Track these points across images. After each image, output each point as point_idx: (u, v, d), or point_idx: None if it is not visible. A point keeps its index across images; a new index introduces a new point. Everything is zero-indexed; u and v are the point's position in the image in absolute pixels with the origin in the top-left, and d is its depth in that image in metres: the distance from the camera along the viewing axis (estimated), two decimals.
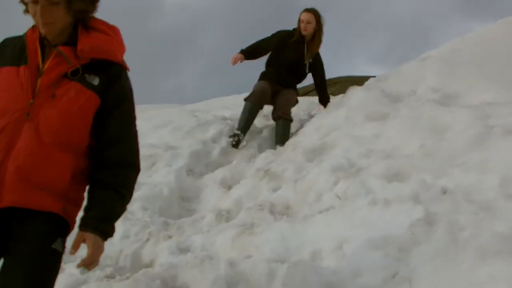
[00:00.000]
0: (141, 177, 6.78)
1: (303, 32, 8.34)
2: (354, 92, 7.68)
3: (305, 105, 10.23)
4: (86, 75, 2.92)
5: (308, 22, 8.31)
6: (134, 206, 5.93)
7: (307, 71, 8.55)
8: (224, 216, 5.59)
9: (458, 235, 3.68)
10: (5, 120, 2.77)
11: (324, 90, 8.88)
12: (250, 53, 8.57)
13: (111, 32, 3.04)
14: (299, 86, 8.99)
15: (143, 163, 7.14)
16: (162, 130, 8.99)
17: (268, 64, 8.68)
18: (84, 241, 2.91)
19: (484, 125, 5.16)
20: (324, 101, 8.75)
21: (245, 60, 8.56)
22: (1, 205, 2.70)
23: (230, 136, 7.89)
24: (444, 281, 3.38)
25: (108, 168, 3.03)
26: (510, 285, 3.13)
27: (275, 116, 8.21)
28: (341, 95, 8.98)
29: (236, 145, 7.81)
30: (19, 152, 2.73)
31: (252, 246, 4.53)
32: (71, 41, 2.92)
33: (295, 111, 9.00)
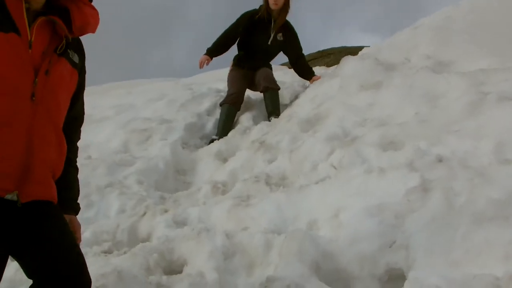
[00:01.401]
0: (136, 151, 6.86)
1: (273, 7, 7.99)
2: (348, 62, 7.64)
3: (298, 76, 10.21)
4: (69, 51, 2.70)
5: None
6: (130, 180, 5.95)
7: (270, 51, 8.37)
8: (220, 188, 5.60)
9: (454, 201, 3.69)
10: (15, 102, 2.43)
11: (303, 60, 8.72)
12: (216, 50, 8.31)
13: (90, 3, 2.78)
14: (287, 60, 8.92)
15: (138, 137, 7.22)
16: (156, 103, 8.99)
17: (239, 47, 8.48)
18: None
19: (478, 92, 5.15)
20: (306, 73, 8.61)
21: (214, 58, 8.33)
22: (27, 198, 2.47)
23: (209, 142, 7.37)
24: (440, 247, 3.40)
25: (71, 145, 2.88)
26: (506, 249, 3.14)
27: (261, 88, 8.00)
28: (336, 66, 8.95)
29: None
30: (42, 141, 2.51)
31: (248, 218, 4.53)
32: (49, 10, 2.60)
33: (289, 81, 8.99)
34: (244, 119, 7.75)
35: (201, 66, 8.26)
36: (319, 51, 16.21)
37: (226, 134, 7.33)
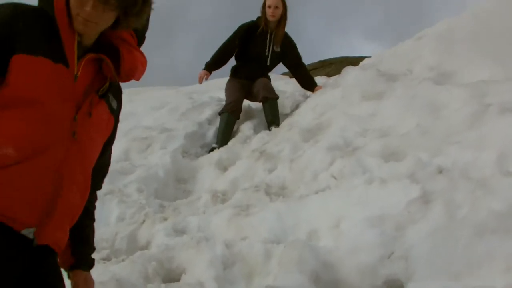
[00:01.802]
0: (137, 159, 6.86)
1: (270, 18, 7.98)
2: (350, 72, 7.64)
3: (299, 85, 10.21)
4: (110, 95, 2.56)
5: (276, 7, 7.96)
6: (130, 188, 5.94)
7: (268, 63, 8.24)
8: (220, 197, 5.59)
9: (455, 213, 3.68)
10: (54, 133, 2.28)
11: (305, 71, 8.69)
12: (215, 64, 8.28)
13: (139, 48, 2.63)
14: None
15: (139, 145, 7.19)
16: (158, 111, 9.00)
17: (237, 58, 8.44)
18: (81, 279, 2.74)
19: (480, 103, 5.14)
20: (309, 84, 8.54)
21: (213, 72, 8.30)
22: (43, 241, 2.29)
23: (209, 151, 7.34)
24: (440, 258, 3.39)
25: (92, 195, 2.73)
26: (507, 262, 3.13)
27: (260, 98, 7.96)
28: (337, 75, 8.95)
29: None
30: (71, 181, 2.34)
31: (248, 227, 4.52)
32: (95, 48, 2.45)
33: (290, 91, 8.99)
34: (245, 128, 7.74)
35: (200, 81, 8.24)
36: (320, 61, 16.26)
37: (226, 143, 7.34)
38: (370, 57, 9.16)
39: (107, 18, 2.34)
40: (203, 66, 8.28)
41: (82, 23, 2.30)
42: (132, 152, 7.16)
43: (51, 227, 2.30)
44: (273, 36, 8.10)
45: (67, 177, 2.31)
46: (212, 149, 7.27)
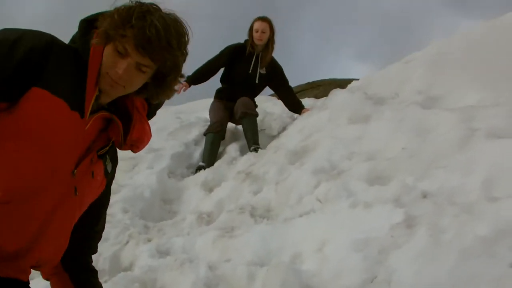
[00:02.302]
0: (123, 179, 6.82)
1: (257, 42, 8.07)
2: (338, 94, 7.66)
3: None
4: (108, 158, 2.50)
5: (263, 32, 8.05)
6: (114, 208, 5.90)
7: (257, 81, 8.23)
8: (205, 218, 5.57)
9: (440, 238, 3.67)
10: (53, 178, 2.20)
11: (292, 94, 8.72)
12: (195, 79, 8.26)
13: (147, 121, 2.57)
14: None
15: (125, 165, 7.16)
16: None
17: (221, 80, 8.48)
18: None
19: (467, 128, 5.14)
20: (296, 107, 8.56)
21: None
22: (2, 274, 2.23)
23: (196, 170, 7.32)
24: (425, 283, 3.37)
25: (88, 259, 2.74)
26: (493, 287, 3.12)
27: (239, 114, 7.91)
28: (324, 97, 8.96)
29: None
30: (54, 231, 2.27)
31: (232, 249, 4.50)
32: (109, 106, 2.36)
33: (277, 113, 8.99)
34: (231, 149, 7.75)
35: (178, 92, 8.09)
36: (308, 83, 16.30)
37: (212, 163, 7.31)
38: (358, 79, 9.18)
39: (136, 83, 2.29)
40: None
41: (109, 84, 2.25)
42: (118, 172, 7.08)
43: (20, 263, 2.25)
44: (259, 58, 8.13)
45: (53, 226, 2.26)
46: (199, 168, 7.27)
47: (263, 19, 8.10)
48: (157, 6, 2.22)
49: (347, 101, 7.20)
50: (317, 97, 11.80)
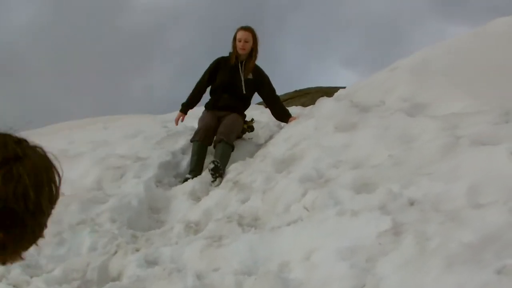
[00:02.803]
0: (110, 188, 6.83)
1: (240, 52, 8.04)
2: (324, 103, 7.69)
3: None
4: None
5: (246, 41, 8.01)
6: (102, 217, 5.91)
7: (244, 91, 8.11)
8: (193, 228, 5.58)
9: (426, 245, 3.70)
10: None
11: (279, 103, 8.65)
12: (190, 104, 8.35)
13: None
14: None
15: (112, 174, 7.17)
16: (132, 140, 8.97)
17: (210, 92, 8.40)
18: None
19: (451, 135, 5.19)
20: (283, 116, 8.44)
21: (189, 112, 8.35)
22: None
23: (183, 181, 7.27)
24: None
25: None
26: None
27: (215, 138, 7.75)
28: (312, 105, 8.98)
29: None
30: None
31: (220, 258, 4.51)
32: None
33: (265, 121, 8.99)
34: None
35: (176, 123, 8.40)
36: (295, 91, 16.35)
37: (199, 172, 7.32)
38: (345, 87, 9.22)
39: None
40: (180, 107, 8.39)
41: None
42: (105, 181, 7.13)
43: None
44: (243, 65, 8.10)
45: None
46: (186, 180, 7.22)
47: (246, 28, 8.09)
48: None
49: (334, 109, 7.23)
50: (304, 105, 11.84)
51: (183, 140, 8.23)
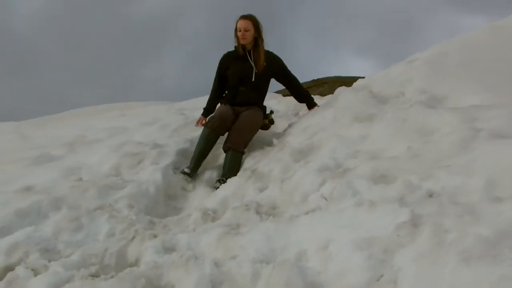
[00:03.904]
0: (128, 175, 6.87)
1: (242, 42, 7.80)
2: (342, 93, 7.69)
3: (292, 105, 10.27)
4: None
5: (246, 30, 7.73)
6: (120, 203, 5.94)
7: (253, 79, 7.88)
8: (210, 215, 5.60)
9: (443, 238, 3.69)
10: None
11: (298, 88, 8.46)
12: (211, 109, 8.19)
13: None
14: (281, 88, 8.84)
15: (130, 161, 7.22)
16: (149, 127, 9.04)
17: (227, 89, 8.17)
18: None
19: (470, 128, 5.17)
20: (306, 98, 8.47)
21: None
22: None
23: (182, 172, 7.14)
24: (427, 283, 3.39)
25: None
26: None
27: (224, 146, 7.55)
28: (330, 95, 8.98)
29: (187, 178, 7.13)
30: None
31: (237, 246, 4.52)
32: None
33: (282, 110, 9.01)
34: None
35: (197, 125, 8.29)
36: (313, 80, 16.31)
37: (199, 163, 7.31)
38: (363, 77, 9.21)
39: None
40: (203, 106, 8.32)
41: None
42: (123, 168, 7.17)
43: None
44: (251, 55, 7.93)
45: None
46: (184, 173, 7.10)
47: (245, 17, 7.82)
48: None
49: (352, 100, 7.23)
50: (322, 94, 11.84)
51: (200, 128, 8.29)
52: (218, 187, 6.61)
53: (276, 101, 10.47)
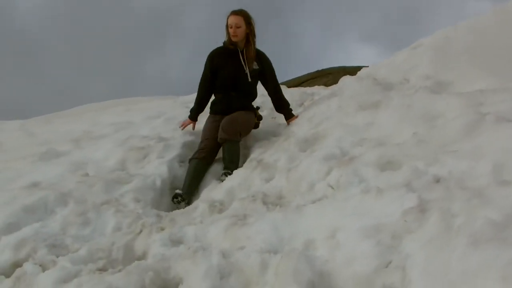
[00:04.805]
0: (134, 169, 6.87)
1: (233, 39, 7.45)
2: (346, 82, 7.68)
3: (297, 95, 10.26)
4: None
5: (238, 26, 7.41)
6: (126, 197, 5.95)
7: (249, 79, 7.58)
8: (217, 207, 5.59)
9: (451, 222, 3.67)
10: None
11: (280, 96, 8.04)
12: (200, 107, 7.94)
13: None
14: (288, 78, 8.78)
15: (135, 155, 7.22)
16: (154, 121, 9.04)
17: (214, 91, 7.85)
18: None
19: (476, 112, 5.15)
20: (283, 108, 8.02)
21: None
22: None
23: (173, 198, 6.54)
24: (436, 268, 3.38)
25: None
26: (503, 271, 3.12)
27: (218, 138, 7.25)
28: (334, 85, 8.97)
29: (178, 203, 6.53)
30: None
31: (244, 237, 4.51)
32: None
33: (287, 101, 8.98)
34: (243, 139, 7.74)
35: (182, 128, 8.09)
36: (318, 71, 16.31)
37: (191, 192, 6.72)
38: (368, 66, 9.19)
39: None
40: (192, 109, 8.05)
41: None
42: (129, 162, 7.17)
43: None
44: (244, 54, 7.60)
45: None
46: (176, 196, 6.54)
47: (236, 12, 7.48)
48: None
49: (356, 88, 7.23)
50: (326, 84, 11.84)
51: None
52: (224, 180, 6.51)
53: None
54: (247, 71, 7.60)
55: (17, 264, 4.59)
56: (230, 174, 6.60)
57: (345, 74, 8.89)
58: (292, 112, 8.00)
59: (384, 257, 3.65)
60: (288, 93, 9.57)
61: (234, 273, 3.98)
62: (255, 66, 7.67)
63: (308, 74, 15.46)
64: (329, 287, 3.69)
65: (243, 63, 7.59)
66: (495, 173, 4.18)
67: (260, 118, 7.99)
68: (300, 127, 7.03)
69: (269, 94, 8.12)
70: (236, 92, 7.67)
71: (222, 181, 6.50)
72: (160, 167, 6.87)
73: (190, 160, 7.09)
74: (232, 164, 6.93)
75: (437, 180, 4.33)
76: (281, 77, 8.66)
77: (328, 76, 14.74)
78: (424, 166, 4.61)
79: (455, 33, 8.30)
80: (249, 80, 7.64)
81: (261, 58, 7.79)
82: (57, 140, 8.99)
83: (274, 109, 8.22)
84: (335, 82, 9.46)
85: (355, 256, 3.76)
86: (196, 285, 3.85)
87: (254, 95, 7.96)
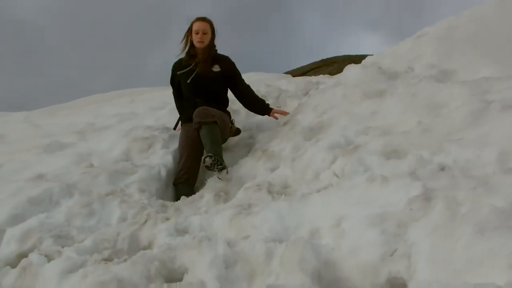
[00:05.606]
0: (138, 159, 6.88)
1: (198, 45, 7.24)
2: (351, 70, 7.64)
3: (302, 84, 10.24)
4: None
5: (205, 33, 7.22)
6: (131, 188, 5.95)
7: (211, 81, 7.33)
8: (222, 196, 5.60)
9: (457, 211, 3.67)
10: None
11: (254, 95, 7.78)
12: (186, 114, 7.46)
13: None
14: (292, 68, 8.76)
15: (140, 145, 7.22)
16: (158, 112, 9.04)
17: (183, 99, 7.66)
18: None
19: (481, 100, 5.14)
20: (261, 105, 7.72)
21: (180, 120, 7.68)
22: None
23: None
24: (442, 256, 3.37)
25: None
26: (509, 259, 3.11)
27: (194, 125, 6.85)
28: (339, 74, 8.95)
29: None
30: None
31: (250, 226, 4.51)
32: None
33: (292, 90, 8.97)
34: (247, 128, 7.74)
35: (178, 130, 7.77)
36: (322, 60, 16.30)
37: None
38: (372, 55, 9.17)
39: None
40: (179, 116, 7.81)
41: None
42: (133, 152, 7.17)
43: None
44: (203, 60, 7.34)
45: None
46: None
47: (203, 19, 7.31)
48: None
49: (361, 76, 7.20)
50: (331, 73, 11.83)
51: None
52: (210, 164, 6.27)
53: (286, 81, 10.44)
54: (204, 75, 7.34)
55: (22, 255, 4.60)
56: (212, 157, 6.28)
57: (350, 63, 8.84)
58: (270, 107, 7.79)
59: (389, 245, 3.65)
60: (293, 83, 9.58)
61: (239, 262, 3.98)
62: (217, 68, 7.40)
63: (313, 63, 15.44)
64: (335, 276, 3.69)
65: (202, 69, 7.35)
66: (501, 161, 4.18)
67: (239, 131, 7.74)
68: (305, 116, 7.02)
69: (240, 98, 7.83)
70: (203, 99, 7.37)
71: (209, 165, 6.30)
72: (165, 157, 6.87)
73: (175, 184, 6.68)
74: (214, 145, 6.56)
75: (442, 169, 4.33)
76: (285, 67, 8.64)
77: (333, 65, 14.72)
78: (429, 155, 4.61)
79: (458, 22, 8.25)
80: (209, 86, 7.40)
81: (223, 61, 7.54)
82: (62, 132, 9.01)
83: (278, 99, 8.19)
84: (340, 71, 9.42)
85: (360, 245, 3.76)
86: (202, 275, 3.85)
87: (223, 99, 7.72)
